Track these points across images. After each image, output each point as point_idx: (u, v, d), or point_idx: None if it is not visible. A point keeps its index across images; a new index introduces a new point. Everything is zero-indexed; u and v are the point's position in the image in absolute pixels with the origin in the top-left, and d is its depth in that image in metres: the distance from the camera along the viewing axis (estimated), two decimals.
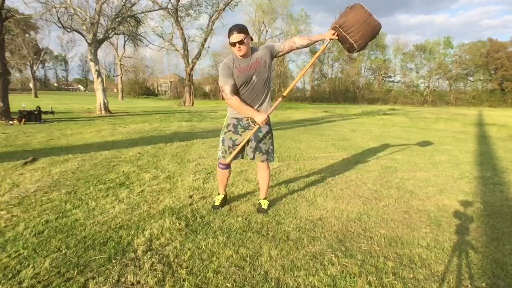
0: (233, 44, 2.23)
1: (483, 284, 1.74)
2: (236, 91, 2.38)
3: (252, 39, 2.32)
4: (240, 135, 2.51)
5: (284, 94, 2.50)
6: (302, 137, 7.41)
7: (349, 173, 4.01)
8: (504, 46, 44.42)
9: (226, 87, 2.34)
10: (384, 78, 51.74)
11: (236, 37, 2.19)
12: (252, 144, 2.53)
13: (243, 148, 2.55)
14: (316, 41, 2.43)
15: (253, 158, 2.57)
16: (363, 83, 50.57)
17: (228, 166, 2.65)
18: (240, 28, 2.21)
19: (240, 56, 2.30)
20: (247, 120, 2.49)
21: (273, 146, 2.60)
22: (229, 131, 2.53)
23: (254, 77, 2.36)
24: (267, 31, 39.45)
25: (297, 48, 2.41)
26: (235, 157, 2.57)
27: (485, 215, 2.74)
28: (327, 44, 2.46)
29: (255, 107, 2.44)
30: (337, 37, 2.32)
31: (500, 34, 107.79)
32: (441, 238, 2.26)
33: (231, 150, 2.53)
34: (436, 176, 4.00)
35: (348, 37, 2.27)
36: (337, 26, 2.29)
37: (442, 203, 3.01)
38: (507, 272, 1.85)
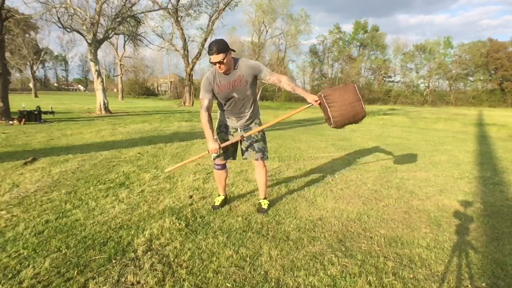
0: (213, 63, 2.24)
1: (483, 284, 1.74)
2: (211, 106, 2.42)
3: (234, 51, 2.31)
4: (232, 135, 2.58)
5: (245, 135, 2.49)
6: (302, 137, 7.41)
7: (349, 173, 4.01)
8: (504, 46, 44.45)
9: (204, 101, 2.38)
10: (384, 78, 51.77)
11: (216, 57, 2.18)
12: (245, 143, 2.57)
13: (235, 149, 2.63)
14: (298, 94, 2.40)
15: (247, 158, 2.62)
16: (363, 83, 50.53)
17: (223, 167, 2.67)
18: (219, 48, 2.16)
19: (222, 72, 2.30)
20: (235, 127, 2.57)
21: (265, 144, 2.62)
22: (221, 131, 2.61)
23: (234, 94, 2.39)
24: (267, 31, 39.37)
25: (280, 86, 2.40)
26: (227, 157, 2.62)
27: (485, 215, 2.74)
28: (306, 107, 2.42)
29: (240, 119, 2.51)
30: (319, 105, 2.30)
31: (500, 34, 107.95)
32: (441, 238, 2.26)
33: (224, 150, 2.58)
34: (436, 176, 4.00)
35: (328, 110, 2.25)
36: (322, 95, 2.27)
37: (442, 203, 3.01)
38: (507, 272, 1.85)
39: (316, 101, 2.28)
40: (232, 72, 2.32)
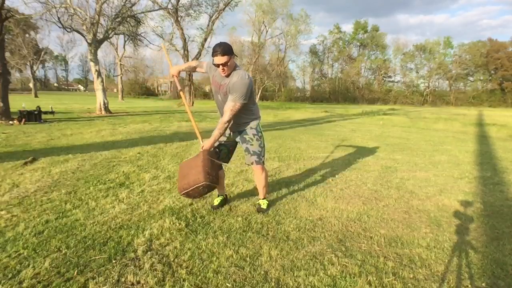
0: (217, 65, 2.23)
1: (483, 284, 1.74)
2: (200, 68, 2.60)
3: (236, 56, 2.30)
4: (227, 137, 2.60)
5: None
6: (302, 137, 7.41)
7: (349, 173, 4.01)
8: (504, 46, 44.50)
9: (203, 63, 2.60)
10: (384, 78, 51.81)
11: (220, 59, 2.17)
12: (243, 146, 2.57)
13: (229, 152, 2.65)
14: (214, 134, 2.42)
15: (247, 162, 2.62)
16: (363, 83, 50.61)
17: (219, 167, 2.66)
18: (224, 50, 2.15)
19: (223, 74, 2.29)
20: (229, 131, 2.59)
21: (261, 147, 2.55)
22: None
23: (218, 95, 2.43)
24: (267, 31, 39.31)
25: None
26: (220, 159, 2.62)
27: (485, 215, 2.74)
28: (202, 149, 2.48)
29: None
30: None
31: (500, 34, 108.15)
32: (441, 238, 2.26)
33: (216, 150, 2.59)
34: (436, 176, 4.00)
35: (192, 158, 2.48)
36: (203, 152, 2.36)
37: (442, 203, 3.01)
38: (507, 272, 1.85)
39: (202, 147, 2.40)
40: (228, 76, 2.31)
